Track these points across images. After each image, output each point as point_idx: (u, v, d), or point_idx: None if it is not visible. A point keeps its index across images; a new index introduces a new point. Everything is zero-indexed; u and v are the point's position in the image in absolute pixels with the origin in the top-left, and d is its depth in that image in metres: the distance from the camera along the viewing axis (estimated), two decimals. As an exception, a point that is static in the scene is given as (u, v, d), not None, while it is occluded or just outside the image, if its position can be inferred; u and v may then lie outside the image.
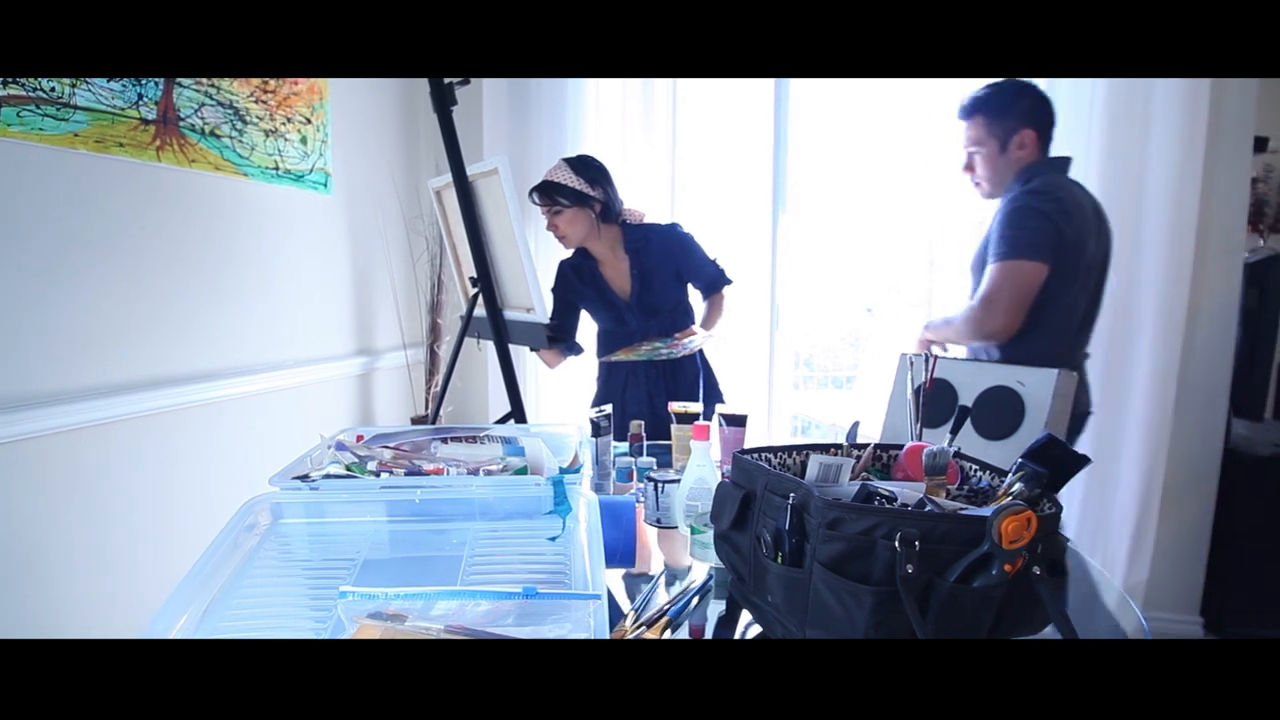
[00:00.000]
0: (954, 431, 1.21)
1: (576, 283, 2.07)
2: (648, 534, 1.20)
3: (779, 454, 0.97)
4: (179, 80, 1.71)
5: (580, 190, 1.93)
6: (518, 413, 1.98)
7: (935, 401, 1.62)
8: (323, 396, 2.30)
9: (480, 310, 1.97)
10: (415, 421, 2.61)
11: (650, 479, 1.19)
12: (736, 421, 1.35)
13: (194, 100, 1.76)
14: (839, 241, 2.92)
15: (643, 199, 2.50)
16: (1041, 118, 1.72)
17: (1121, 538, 2.29)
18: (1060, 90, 2.19)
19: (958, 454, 1.01)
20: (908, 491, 0.85)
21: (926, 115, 2.65)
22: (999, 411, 1.52)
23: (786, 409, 2.81)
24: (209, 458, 1.85)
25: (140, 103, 1.62)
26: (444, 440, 1.21)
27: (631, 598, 1.02)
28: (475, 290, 1.95)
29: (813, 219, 2.80)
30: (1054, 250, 1.58)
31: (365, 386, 2.51)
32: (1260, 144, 2.45)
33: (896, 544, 0.74)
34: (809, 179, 2.75)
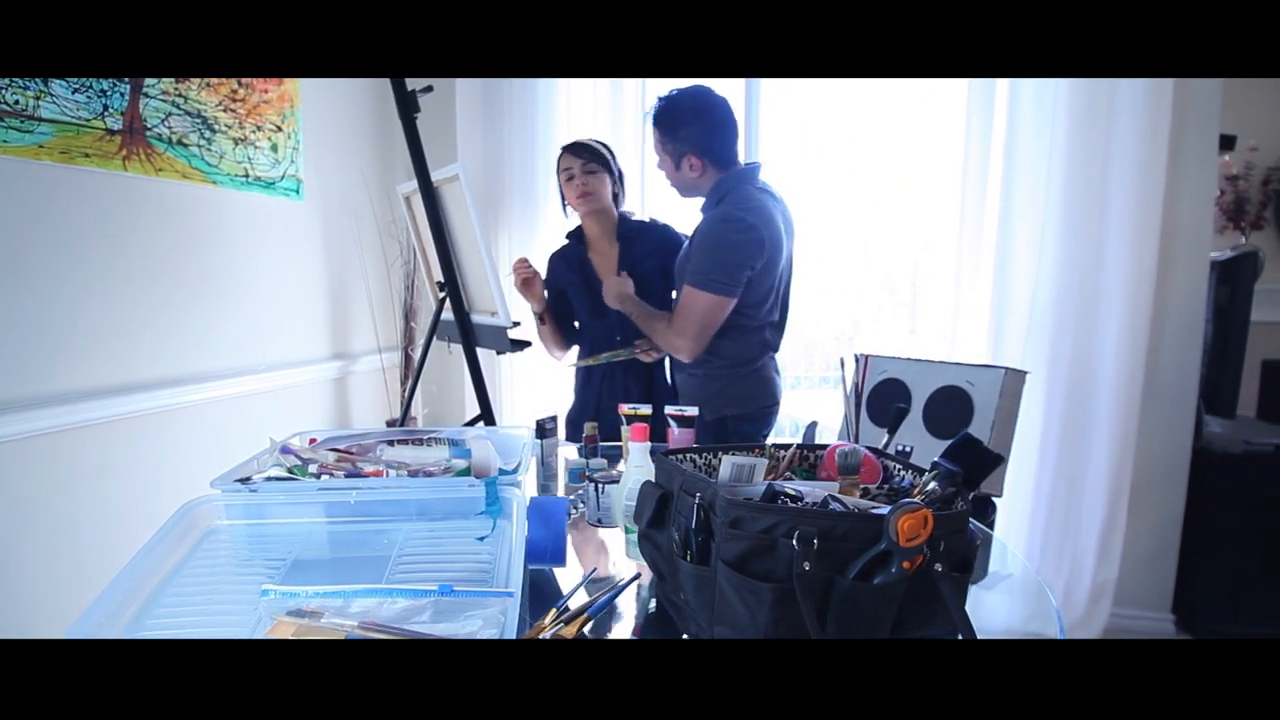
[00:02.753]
0: (891, 431, 1.23)
1: (564, 269, 2.08)
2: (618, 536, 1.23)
3: (704, 455, 0.99)
4: (145, 90, 1.74)
5: (608, 159, 1.98)
6: (486, 415, 2.01)
7: (889, 401, 1.64)
8: (299, 400, 2.33)
9: (449, 314, 1.99)
10: (390, 424, 2.64)
11: (591, 479, 1.21)
12: (686, 422, 1.37)
13: (160, 110, 1.78)
14: (827, 241, 2.92)
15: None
16: (705, 145, 1.76)
17: (1090, 536, 2.30)
18: (1024, 89, 2.21)
19: (879, 452, 1.03)
20: (818, 491, 0.87)
21: (903, 113, 2.66)
22: (949, 410, 1.53)
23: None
24: (184, 462, 1.88)
25: (106, 113, 1.65)
26: (391, 443, 1.23)
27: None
28: (443, 294, 1.98)
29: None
30: (742, 283, 1.70)
31: (341, 390, 2.54)
32: (1227, 142, 2.46)
33: (795, 542, 0.76)
34: (789, 179, 2.76)
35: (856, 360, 1.35)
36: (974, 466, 0.95)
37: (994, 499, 1.49)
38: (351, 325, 2.58)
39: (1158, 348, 2.30)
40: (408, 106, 1.84)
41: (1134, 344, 2.19)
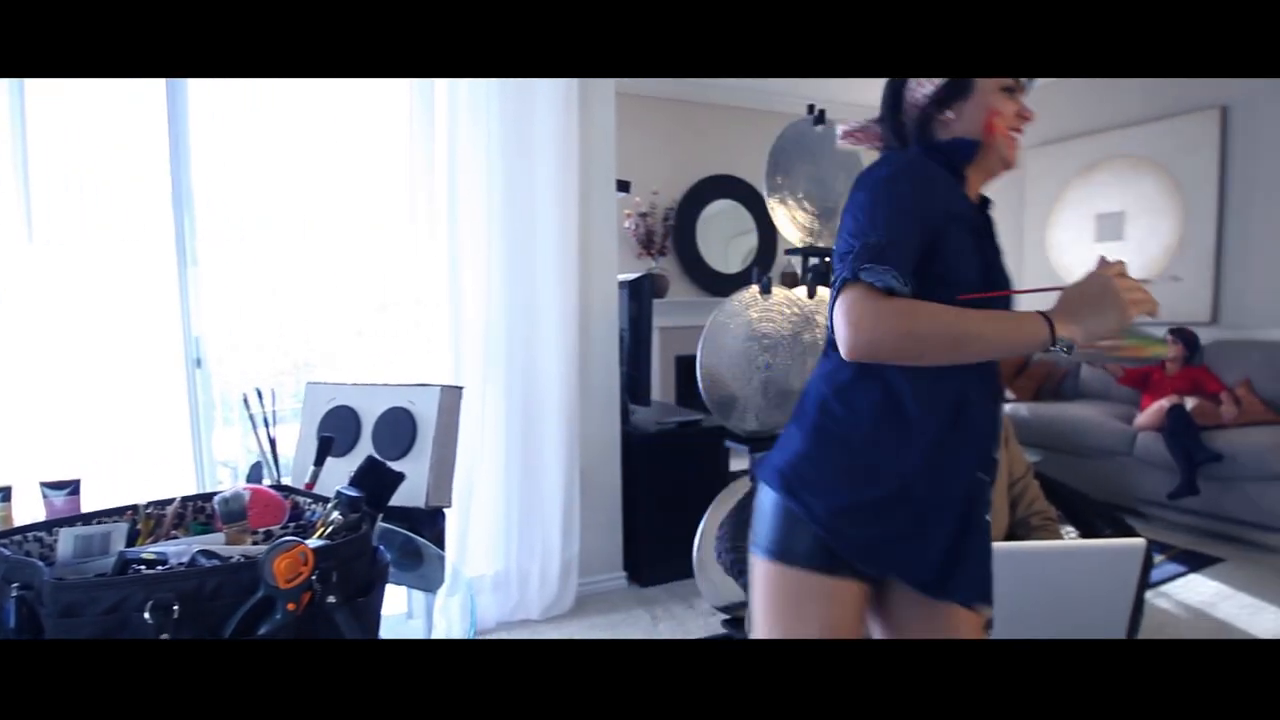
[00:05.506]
0: (318, 462, 1.21)
1: None
2: None
3: (52, 531, 0.82)
4: None
5: None
6: None
7: (340, 429, 1.62)
8: None
9: None
10: None
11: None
12: (68, 488, 1.13)
13: None
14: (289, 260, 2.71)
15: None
16: None
17: (554, 521, 2.63)
18: (460, 127, 2.41)
19: (287, 489, 0.99)
20: (195, 547, 0.79)
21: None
22: (396, 431, 1.58)
23: (228, 452, 2.54)
24: None
25: None
26: None
27: None
28: None
29: (266, 238, 2.56)
30: None
31: None
32: (623, 186, 3.07)
33: (147, 614, 0.67)
34: (228, 193, 2.50)
35: (260, 393, 1.28)
36: (379, 488, 0.98)
37: (444, 510, 1.59)
38: None
39: (587, 353, 2.75)
40: None
41: (568, 351, 2.58)
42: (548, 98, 2.48)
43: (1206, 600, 2.80)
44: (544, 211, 2.50)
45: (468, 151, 2.41)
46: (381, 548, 0.95)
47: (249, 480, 1.59)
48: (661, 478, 3.02)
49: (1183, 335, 3.88)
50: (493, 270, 2.46)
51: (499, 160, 2.44)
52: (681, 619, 2.69)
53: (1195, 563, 3.17)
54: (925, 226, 0.98)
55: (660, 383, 4.91)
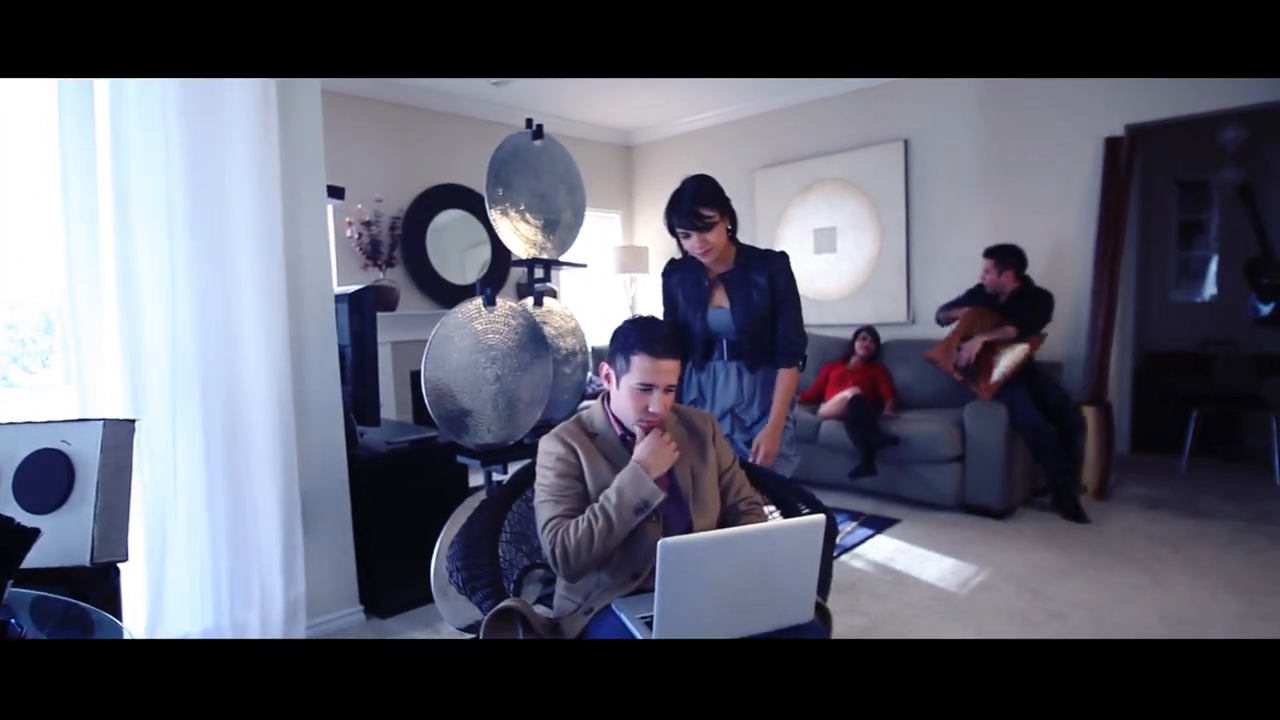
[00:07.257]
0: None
1: None
2: None
3: None
4: None
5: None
6: None
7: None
8: None
9: None
10: None
11: None
12: None
13: None
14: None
15: None
16: None
17: (273, 561, 2.38)
18: (130, 129, 2.09)
19: None
20: None
21: None
22: (46, 477, 1.32)
23: None
24: None
25: None
26: None
27: None
28: None
29: None
30: None
31: None
32: (336, 191, 2.88)
33: None
34: None
35: None
36: (4, 549, 0.81)
37: (119, 565, 1.36)
38: None
39: (302, 373, 2.53)
40: None
41: (279, 373, 2.34)
42: (240, 98, 2.24)
43: (888, 556, 3.32)
44: (241, 219, 2.25)
45: (140, 156, 2.09)
46: (14, 621, 0.79)
47: None
48: (396, 500, 2.87)
49: (873, 333, 4.57)
50: (178, 285, 2.16)
51: (181, 164, 2.14)
52: (424, 645, 2.59)
53: (880, 525, 3.74)
54: None
55: (396, 400, 4.69)
